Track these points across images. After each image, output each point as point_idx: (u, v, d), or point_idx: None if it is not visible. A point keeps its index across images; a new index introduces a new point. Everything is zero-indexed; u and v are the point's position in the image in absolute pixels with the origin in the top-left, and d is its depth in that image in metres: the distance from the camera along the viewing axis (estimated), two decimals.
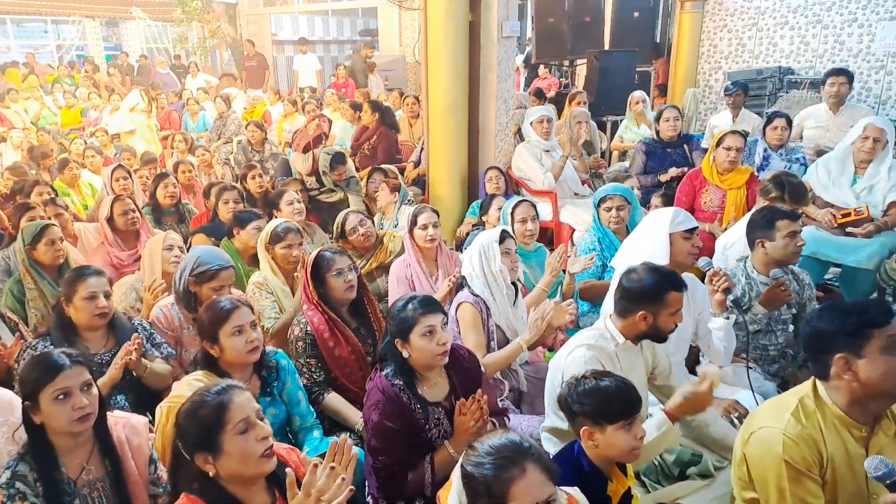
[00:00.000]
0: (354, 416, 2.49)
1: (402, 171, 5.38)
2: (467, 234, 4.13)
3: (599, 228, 3.44)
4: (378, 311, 2.75)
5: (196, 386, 2.16)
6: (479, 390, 2.01)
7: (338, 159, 4.67)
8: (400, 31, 9.56)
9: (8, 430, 2.02)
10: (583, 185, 4.55)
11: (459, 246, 4.20)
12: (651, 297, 2.11)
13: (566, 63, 7.41)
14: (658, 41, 7.62)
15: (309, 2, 11.73)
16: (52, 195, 4.46)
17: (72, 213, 4.36)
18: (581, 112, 4.75)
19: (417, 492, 2.03)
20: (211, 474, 1.57)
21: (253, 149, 6.59)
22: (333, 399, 2.53)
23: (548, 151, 4.37)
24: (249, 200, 4.50)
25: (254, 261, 3.56)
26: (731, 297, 2.55)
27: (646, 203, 4.05)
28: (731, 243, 3.34)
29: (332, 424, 2.54)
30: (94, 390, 1.78)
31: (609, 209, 3.36)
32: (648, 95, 6.22)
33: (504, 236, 2.63)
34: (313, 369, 2.55)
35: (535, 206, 3.32)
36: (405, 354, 2.02)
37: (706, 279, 2.57)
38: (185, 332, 2.82)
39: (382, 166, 5.04)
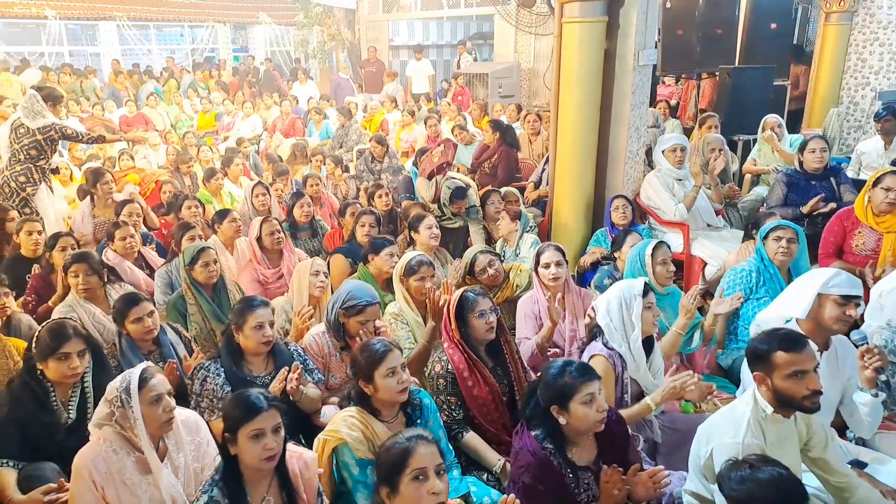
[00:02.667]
0: (492, 457, 2.57)
1: (521, 190, 5.41)
2: (591, 264, 4.10)
3: (761, 261, 3.30)
4: (514, 353, 2.81)
5: (350, 422, 2.34)
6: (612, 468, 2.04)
7: (458, 194, 4.63)
8: (515, 39, 9.52)
9: (195, 448, 2.27)
10: (717, 215, 4.37)
11: (581, 276, 4.17)
12: (758, 356, 2.07)
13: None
14: (792, 51, 7.14)
15: (426, 8, 11.94)
16: (200, 208, 4.89)
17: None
18: (715, 139, 4.55)
19: None
20: None
21: (375, 159, 6.88)
22: (472, 438, 2.61)
23: (680, 180, 4.23)
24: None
25: (387, 285, 3.74)
26: (882, 376, 2.39)
27: None
28: (889, 290, 3.12)
29: (469, 463, 2.62)
30: (282, 432, 1.97)
31: (779, 238, 3.21)
32: (783, 114, 5.85)
33: (647, 289, 2.60)
34: (453, 407, 2.65)
35: (669, 247, 3.26)
36: (562, 421, 2.06)
37: (858, 354, 2.41)
38: (333, 358, 3.02)
39: (500, 189, 5.09)
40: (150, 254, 4.35)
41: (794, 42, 6.86)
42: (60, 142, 5.28)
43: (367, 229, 4.20)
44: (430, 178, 4.72)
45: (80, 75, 11.80)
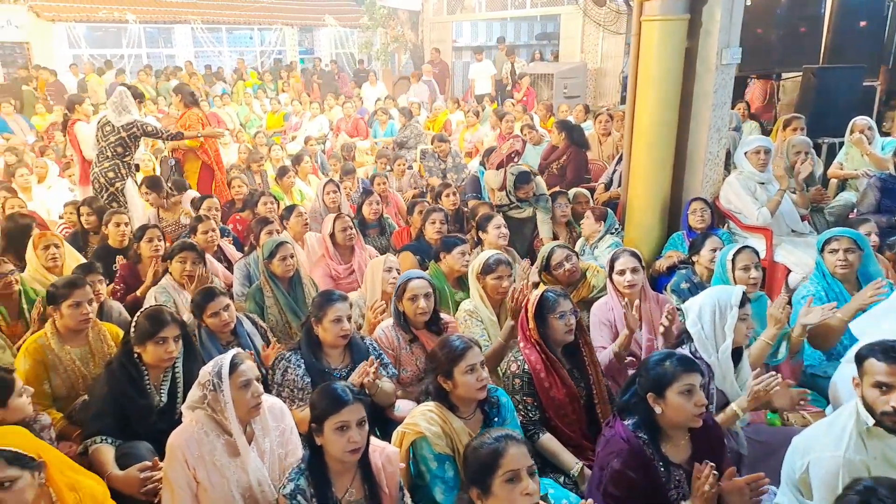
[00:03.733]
0: (570, 459, 2.52)
1: (591, 191, 5.32)
2: (668, 268, 3.98)
3: (823, 277, 3.16)
4: (593, 355, 2.75)
5: (429, 416, 2.35)
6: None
7: (522, 178, 4.67)
8: (582, 38, 9.41)
9: (280, 434, 2.32)
10: (802, 221, 4.17)
11: (655, 280, 4.06)
12: (858, 360, 1.99)
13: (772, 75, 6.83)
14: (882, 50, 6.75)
15: (491, 9, 11.93)
16: (275, 204, 5.02)
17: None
18: (801, 141, 4.35)
19: None
20: None
21: (439, 158, 6.94)
22: (549, 440, 2.58)
23: (763, 184, 4.06)
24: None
25: (458, 283, 3.75)
26: None
27: (881, 250, 3.63)
28: None
29: (544, 464, 2.58)
30: (367, 427, 1.98)
31: (835, 251, 3.07)
32: (871, 117, 5.54)
33: (744, 300, 2.49)
34: (529, 408, 2.62)
35: (757, 253, 3.12)
36: (658, 410, 2.02)
37: None
38: (404, 351, 3.04)
39: (567, 191, 5.02)
40: (228, 247, 4.50)
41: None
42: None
43: (438, 226, 4.21)
44: (498, 168, 4.73)
45: (160, 76, 12.33)
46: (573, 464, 2.51)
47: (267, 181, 6.68)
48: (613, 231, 4.23)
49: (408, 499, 2.16)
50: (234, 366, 2.14)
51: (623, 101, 9.42)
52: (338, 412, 1.93)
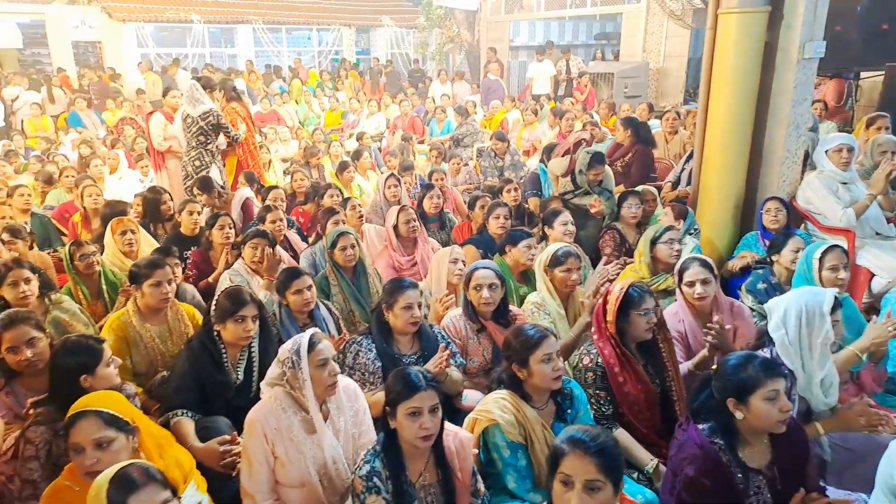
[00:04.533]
0: (644, 456, 2.47)
1: (658, 190, 5.19)
2: (741, 269, 3.84)
3: None
4: (672, 352, 2.67)
5: (502, 404, 2.33)
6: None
7: (597, 158, 4.59)
8: (644, 37, 9.23)
9: (354, 414, 2.34)
10: (888, 223, 3.96)
11: (727, 281, 3.92)
12: None
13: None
14: None
15: (550, 8, 11.82)
16: (339, 196, 5.09)
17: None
18: (888, 140, 4.13)
19: None
20: None
21: (497, 155, 6.92)
22: (622, 435, 2.52)
23: (845, 184, 3.88)
24: None
25: (522, 277, 3.71)
26: None
27: None
28: None
29: None
30: (440, 413, 1.97)
31: None
32: None
33: (836, 306, 2.37)
34: (602, 402, 2.56)
35: (846, 253, 2.97)
36: (739, 416, 1.94)
37: None
38: (471, 341, 3.03)
39: (637, 188, 4.90)
40: (294, 237, 4.58)
41: None
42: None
43: (502, 221, 4.18)
44: (564, 155, 4.66)
45: (226, 75, 12.70)
46: (647, 460, 2.45)
47: (324, 175, 6.78)
48: (693, 231, 4.07)
49: (481, 484, 2.13)
50: (312, 345, 2.17)
51: (686, 101, 9.20)
52: (410, 398, 1.93)
